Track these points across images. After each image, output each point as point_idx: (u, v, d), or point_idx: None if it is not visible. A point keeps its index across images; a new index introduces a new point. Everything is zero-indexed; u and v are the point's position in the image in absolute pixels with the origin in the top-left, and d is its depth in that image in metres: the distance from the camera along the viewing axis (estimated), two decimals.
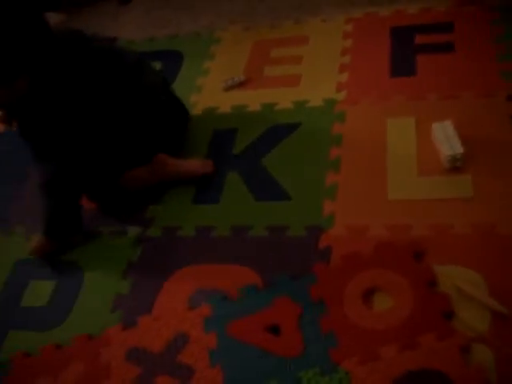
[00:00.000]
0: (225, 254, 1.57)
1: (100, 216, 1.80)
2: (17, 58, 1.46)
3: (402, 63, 1.95)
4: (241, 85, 2.05)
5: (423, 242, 1.42)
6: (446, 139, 1.58)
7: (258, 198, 1.69)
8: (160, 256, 1.62)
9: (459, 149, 1.55)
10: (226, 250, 1.58)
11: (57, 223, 1.69)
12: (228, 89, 2.04)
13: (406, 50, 2.00)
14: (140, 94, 1.66)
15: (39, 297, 1.65)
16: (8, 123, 1.73)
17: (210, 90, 1.99)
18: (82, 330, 1.51)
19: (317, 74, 2.02)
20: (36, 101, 1.55)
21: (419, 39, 2.01)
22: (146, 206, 1.77)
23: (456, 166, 1.56)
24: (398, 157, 1.67)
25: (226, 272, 1.52)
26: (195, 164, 1.75)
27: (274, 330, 1.35)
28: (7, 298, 1.68)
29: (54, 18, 2.21)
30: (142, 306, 1.50)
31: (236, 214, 1.66)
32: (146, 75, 1.72)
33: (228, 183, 1.75)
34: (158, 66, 2.20)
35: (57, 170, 1.64)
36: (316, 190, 1.65)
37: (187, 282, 1.53)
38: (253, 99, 1.99)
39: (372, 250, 1.43)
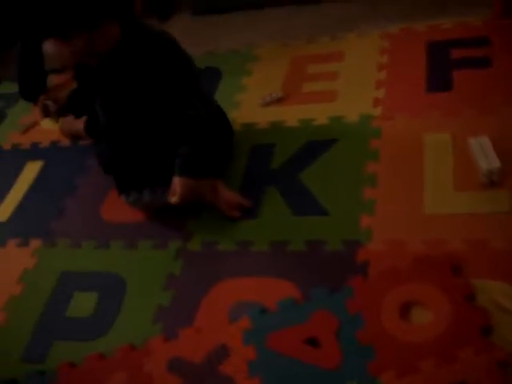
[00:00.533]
0: (263, 268, 1.60)
1: (141, 229, 1.84)
2: None
3: (438, 78, 1.97)
4: (279, 101, 2.09)
5: (461, 256, 1.43)
6: (483, 154, 1.60)
7: (296, 212, 1.72)
8: (200, 269, 1.66)
9: (496, 163, 1.56)
10: (265, 263, 1.61)
11: None
12: (266, 105, 2.08)
13: (442, 65, 2.01)
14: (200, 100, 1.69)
15: (83, 308, 1.69)
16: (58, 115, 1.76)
17: (248, 106, 2.03)
18: (124, 340, 1.55)
19: (353, 89, 2.05)
20: (118, 66, 1.59)
21: (455, 54, 2.03)
22: (186, 220, 1.80)
23: (493, 181, 1.57)
24: (435, 172, 1.68)
25: (265, 285, 1.55)
26: (235, 198, 1.77)
27: (313, 342, 1.37)
28: (53, 309, 1.73)
29: None
30: (182, 318, 1.54)
31: (274, 229, 1.69)
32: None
33: (266, 198, 1.78)
34: None
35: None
36: (353, 204, 1.68)
37: (227, 295, 1.56)
38: (290, 115, 2.02)
39: (409, 264, 1.45)
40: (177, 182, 1.63)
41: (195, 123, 1.61)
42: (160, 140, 1.69)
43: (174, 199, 1.64)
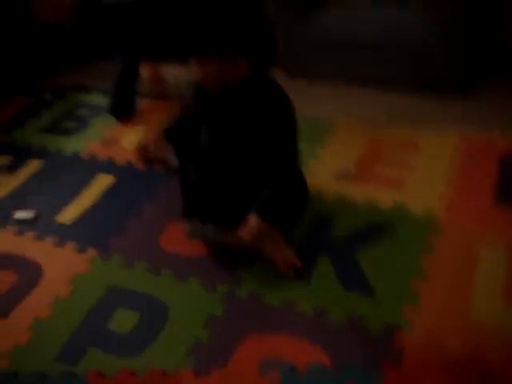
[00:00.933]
0: (302, 330, 1.66)
1: (194, 264, 1.92)
2: (248, 29, 1.60)
3: (507, 195, 2.02)
4: (349, 176, 2.17)
5: (496, 368, 1.46)
6: None
7: (345, 286, 1.78)
8: (242, 316, 1.73)
9: None
10: (304, 326, 1.67)
11: None
12: (337, 178, 2.17)
13: None
14: None
15: (124, 324, 1.77)
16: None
17: (319, 175, 2.11)
18: (157, 364, 1.61)
19: (422, 182, 2.12)
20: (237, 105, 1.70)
21: None
22: (238, 266, 1.88)
23: None
24: (486, 280, 1.74)
25: (300, 347, 1.61)
26: (292, 257, 1.84)
27: None
28: (95, 318, 1.81)
29: None
30: (216, 358, 1.60)
31: (321, 296, 1.75)
32: None
33: (320, 265, 1.85)
34: None
35: None
36: (401, 292, 1.73)
37: (262, 347, 1.62)
38: (358, 192, 2.10)
39: (443, 362, 1.49)
40: (254, 221, 1.69)
41: (288, 174, 1.74)
42: (246, 179, 1.76)
43: (247, 236, 1.69)
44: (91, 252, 2.05)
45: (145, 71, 2.97)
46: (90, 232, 2.14)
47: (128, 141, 2.61)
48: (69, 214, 2.25)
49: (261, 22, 1.65)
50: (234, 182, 1.77)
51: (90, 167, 2.51)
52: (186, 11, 1.60)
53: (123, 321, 1.78)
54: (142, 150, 2.30)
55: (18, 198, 2.38)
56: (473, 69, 2.58)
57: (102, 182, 2.39)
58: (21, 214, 2.27)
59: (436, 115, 2.46)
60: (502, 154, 2.21)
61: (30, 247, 2.12)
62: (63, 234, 2.15)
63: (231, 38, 1.57)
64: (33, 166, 2.58)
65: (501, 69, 2.70)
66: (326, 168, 2.19)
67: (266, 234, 1.73)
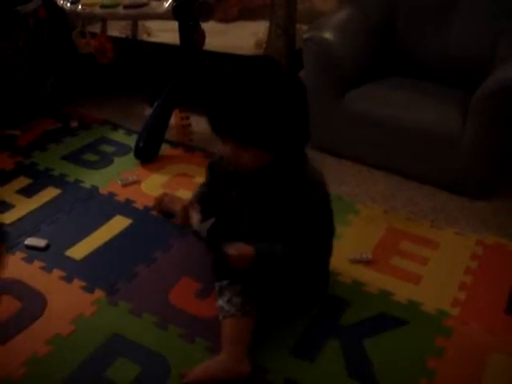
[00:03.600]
0: None
1: (203, 325, 1.90)
2: (272, 126, 1.56)
3: None
4: (366, 262, 2.17)
5: None
6: None
7: (351, 375, 1.76)
8: None
9: None
10: None
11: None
12: (354, 262, 2.17)
13: None
14: None
15: (123, 375, 1.74)
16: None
17: (337, 256, 2.09)
18: None
19: (437, 281, 2.12)
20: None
21: None
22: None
23: None
24: None
25: None
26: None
27: None
28: (94, 363, 1.79)
29: None
30: None
31: (326, 381, 1.74)
32: None
33: (327, 348, 1.84)
34: None
35: None
36: None
37: None
38: (373, 281, 2.10)
39: None
40: (247, 248, 1.69)
41: (305, 246, 1.74)
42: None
43: (231, 251, 1.68)
44: (98, 293, 2.03)
45: (174, 119, 3.00)
46: (99, 272, 2.13)
47: (148, 186, 2.61)
48: (80, 250, 2.24)
49: (295, 114, 1.62)
50: None
51: (107, 205, 2.51)
52: (216, 84, 1.59)
53: (123, 372, 1.76)
54: (158, 203, 2.33)
55: (32, 224, 2.37)
56: (498, 172, 2.61)
57: (119, 224, 2.39)
58: (32, 241, 2.26)
59: (457, 216, 2.47)
60: None
61: (36, 277, 2.11)
62: (72, 270, 2.14)
63: (244, 128, 1.56)
64: (50, 193, 2.59)
65: None
66: (345, 251, 2.19)
67: (247, 265, 1.70)
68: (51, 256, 2.21)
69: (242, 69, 1.60)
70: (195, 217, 1.79)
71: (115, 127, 3.17)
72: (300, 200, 1.70)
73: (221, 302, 1.80)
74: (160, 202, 2.43)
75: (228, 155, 1.65)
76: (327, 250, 1.93)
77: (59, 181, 2.67)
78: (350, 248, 2.21)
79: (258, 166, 1.67)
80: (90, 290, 2.05)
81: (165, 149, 2.93)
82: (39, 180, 2.67)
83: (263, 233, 1.78)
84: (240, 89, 1.54)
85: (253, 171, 1.70)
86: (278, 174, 1.70)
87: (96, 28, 3.14)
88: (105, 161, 2.85)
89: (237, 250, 1.69)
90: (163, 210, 2.43)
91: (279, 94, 1.55)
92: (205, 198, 1.94)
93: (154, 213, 2.44)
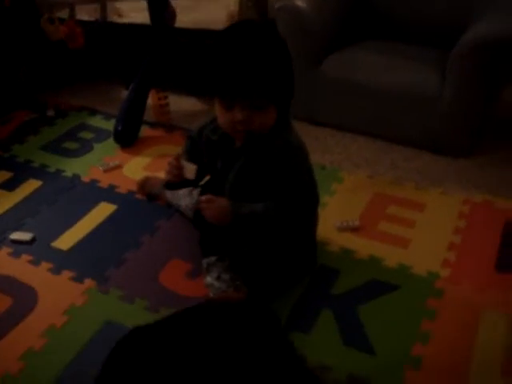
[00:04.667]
0: None
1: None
2: (283, 80, 1.61)
3: (509, 262, 2.03)
4: (354, 229, 2.17)
5: None
6: None
7: (346, 342, 1.77)
8: None
9: None
10: None
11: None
12: (341, 229, 2.17)
13: None
14: None
15: None
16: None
17: (324, 225, 2.08)
18: None
19: (426, 243, 2.12)
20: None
21: None
22: None
23: None
24: (485, 350, 1.73)
25: None
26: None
27: None
28: (89, 353, 1.78)
29: None
30: None
31: (321, 351, 1.74)
32: None
33: (321, 318, 1.85)
34: None
35: None
36: (401, 355, 1.73)
37: None
38: (362, 247, 2.10)
39: None
40: (221, 199, 1.70)
41: (304, 199, 1.74)
42: None
43: (202, 197, 1.69)
44: (88, 283, 2.02)
45: (152, 99, 2.97)
46: (88, 261, 2.12)
47: (130, 169, 2.60)
48: (66, 240, 2.22)
49: (290, 69, 1.65)
50: None
51: (91, 193, 2.49)
52: (226, 53, 1.57)
53: None
54: (140, 186, 2.32)
55: (16, 218, 2.35)
56: (480, 129, 2.61)
57: (103, 211, 2.37)
58: (17, 235, 2.24)
59: (443, 177, 2.48)
60: (505, 219, 2.23)
61: (25, 271, 2.09)
62: (60, 261, 2.13)
63: (268, 87, 1.57)
64: (32, 185, 2.56)
65: (500, 132, 2.77)
66: (332, 219, 2.19)
67: (224, 217, 1.69)
68: (38, 249, 2.19)
69: (242, 33, 1.60)
70: (189, 167, 1.76)
71: (93, 113, 3.13)
72: (286, 163, 1.70)
73: (209, 279, 1.79)
74: (143, 185, 2.41)
75: (239, 120, 1.61)
76: (313, 220, 1.92)
77: (40, 172, 2.64)
78: (337, 216, 2.21)
79: (266, 127, 1.65)
80: (79, 279, 2.04)
81: (144, 130, 2.91)
82: (20, 173, 2.64)
83: (246, 199, 1.76)
84: (253, 50, 1.55)
85: (253, 140, 1.68)
86: (267, 140, 1.68)
87: (64, 13, 3.08)
88: (85, 148, 2.82)
89: (211, 200, 1.68)
90: (147, 192, 2.41)
91: (282, 49, 1.61)
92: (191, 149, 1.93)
93: (139, 196, 2.42)
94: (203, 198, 1.69)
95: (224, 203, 1.69)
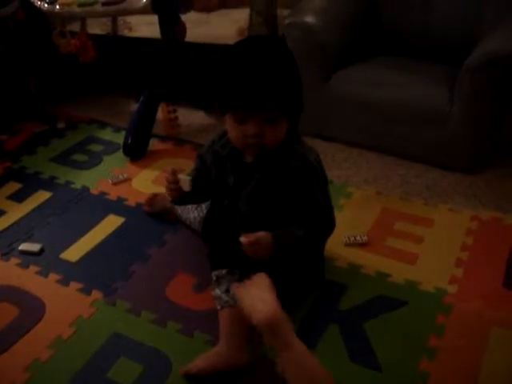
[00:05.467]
0: None
1: (201, 320, 1.90)
2: (294, 93, 1.63)
3: None
4: (361, 245, 2.17)
5: None
6: None
7: (352, 358, 1.76)
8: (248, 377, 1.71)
9: None
10: None
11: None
12: (348, 245, 2.16)
13: None
14: None
15: (126, 375, 1.74)
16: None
17: (331, 240, 2.07)
18: None
19: (434, 259, 2.12)
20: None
21: None
22: None
23: None
24: (493, 368, 1.72)
25: None
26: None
27: None
28: (96, 364, 1.78)
29: None
30: None
31: (328, 366, 1.66)
32: None
33: (327, 334, 1.84)
34: None
35: None
36: (408, 372, 1.72)
37: None
38: (369, 263, 2.10)
39: None
40: (262, 234, 1.66)
41: (322, 224, 1.76)
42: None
43: (245, 240, 1.65)
44: (96, 294, 2.03)
45: (161, 113, 2.98)
46: (96, 273, 2.12)
47: (139, 182, 2.62)
48: (75, 252, 2.23)
49: (299, 83, 1.67)
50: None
51: (99, 205, 2.50)
52: (237, 67, 1.58)
53: (125, 372, 1.76)
54: (149, 204, 2.31)
55: (24, 229, 2.36)
56: (489, 146, 2.61)
57: (112, 223, 2.38)
58: (26, 246, 2.25)
59: (451, 193, 2.48)
60: None
61: (33, 282, 2.10)
62: (68, 272, 2.14)
63: (279, 97, 1.57)
64: (41, 196, 2.58)
65: (509, 149, 2.77)
66: (340, 234, 2.17)
67: (264, 254, 1.67)
68: (46, 260, 2.20)
69: (253, 47, 1.62)
70: (184, 179, 1.77)
71: (102, 125, 3.15)
72: (306, 179, 1.71)
73: (218, 292, 1.79)
74: (151, 203, 2.41)
75: (252, 134, 1.61)
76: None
77: (49, 183, 2.66)
78: (345, 232, 2.20)
79: (279, 141, 1.66)
80: (87, 291, 2.04)
81: (153, 143, 2.92)
82: (29, 184, 2.66)
83: (262, 217, 1.78)
84: (265, 63, 1.56)
85: (265, 156, 1.69)
86: (281, 154, 1.69)
87: (76, 27, 3.11)
88: (94, 160, 2.84)
89: (252, 240, 1.64)
90: (155, 210, 2.40)
91: (292, 63, 1.63)
92: (195, 178, 1.90)
93: (146, 209, 2.42)
94: (245, 240, 1.64)
95: (266, 240, 1.66)
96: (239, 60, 1.60)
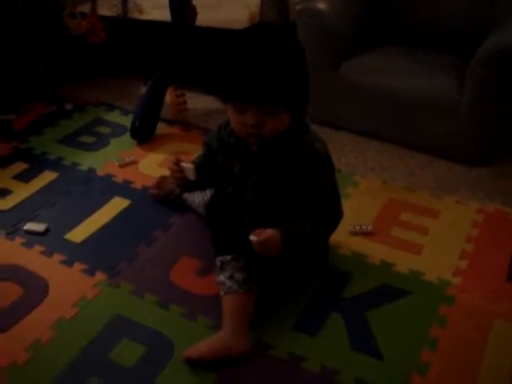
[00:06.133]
0: None
1: (204, 304, 1.91)
2: (296, 87, 1.61)
3: None
4: (366, 234, 2.16)
5: None
6: None
7: (354, 346, 1.76)
8: (246, 368, 1.71)
9: None
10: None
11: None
12: (354, 233, 2.16)
13: None
14: None
15: (128, 356, 1.74)
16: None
17: (337, 228, 2.09)
18: None
19: (439, 250, 2.11)
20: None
21: None
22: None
23: None
24: (494, 360, 1.72)
25: None
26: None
27: None
28: (98, 345, 1.78)
29: None
30: None
31: (329, 354, 1.74)
32: None
33: (330, 322, 1.84)
34: None
35: None
36: (409, 361, 1.72)
37: None
38: (374, 252, 2.10)
39: None
40: (270, 232, 1.65)
41: (327, 216, 1.76)
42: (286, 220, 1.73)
43: (255, 238, 1.63)
44: (100, 276, 2.03)
45: (169, 97, 2.98)
46: (100, 255, 2.13)
47: (146, 165, 2.62)
48: (79, 233, 2.23)
49: (304, 75, 1.65)
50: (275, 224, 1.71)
51: (105, 187, 2.50)
52: (239, 56, 1.57)
53: (128, 353, 1.76)
54: (158, 186, 2.31)
55: (30, 209, 2.36)
56: (496, 139, 2.60)
57: (117, 205, 2.38)
58: (31, 226, 2.25)
59: (457, 185, 2.47)
60: None
61: (37, 262, 2.10)
62: (72, 253, 2.14)
63: (278, 90, 1.56)
64: (48, 177, 2.57)
65: None
66: (345, 223, 2.15)
67: (274, 250, 1.66)
68: (51, 240, 2.20)
69: (258, 36, 1.61)
70: (188, 167, 1.79)
71: (110, 108, 3.15)
72: (313, 169, 1.71)
73: (222, 278, 1.79)
74: (160, 185, 2.40)
75: (251, 124, 1.61)
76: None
77: (56, 164, 2.66)
78: (350, 220, 2.19)
79: (278, 132, 1.65)
80: (91, 272, 2.04)
81: (161, 127, 2.91)
82: (36, 164, 2.66)
83: (268, 206, 1.78)
84: (267, 54, 1.55)
85: (269, 145, 1.69)
86: (287, 143, 1.69)
87: (86, 8, 3.10)
88: (101, 142, 2.83)
89: (261, 236, 1.63)
90: (163, 193, 2.39)
91: (298, 56, 1.62)
92: (200, 165, 1.92)
93: (154, 192, 2.41)
94: (255, 239, 1.63)
95: (276, 237, 1.65)
96: (239, 51, 1.59)
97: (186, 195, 2.26)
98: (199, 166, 1.88)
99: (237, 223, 1.85)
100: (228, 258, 1.80)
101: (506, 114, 2.53)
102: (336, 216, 1.81)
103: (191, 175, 1.80)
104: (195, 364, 1.69)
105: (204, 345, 1.71)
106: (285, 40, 1.62)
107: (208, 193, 2.13)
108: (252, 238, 1.63)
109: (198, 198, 2.19)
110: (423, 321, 1.85)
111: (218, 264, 1.82)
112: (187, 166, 1.81)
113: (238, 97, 1.59)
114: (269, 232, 1.64)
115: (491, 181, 2.49)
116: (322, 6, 2.66)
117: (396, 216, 2.28)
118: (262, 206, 1.78)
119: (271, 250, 1.66)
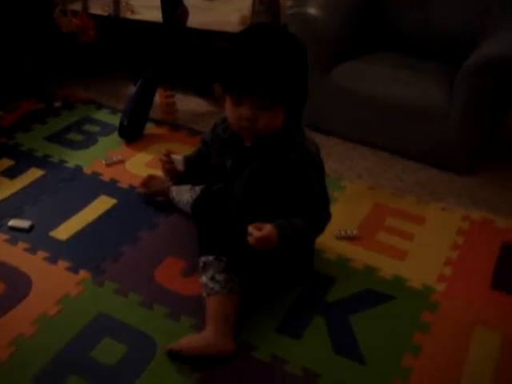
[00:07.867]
0: None
1: (188, 304, 1.90)
2: (294, 84, 1.63)
3: (504, 280, 2.03)
4: (351, 238, 2.17)
5: None
6: None
7: (336, 350, 1.77)
8: (230, 370, 1.70)
9: None
10: None
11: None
12: (339, 238, 2.16)
13: (510, 269, 2.08)
14: None
15: (109, 355, 1.73)
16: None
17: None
18: None
19: (423, 257, 2.12)
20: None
21: None
22: None
23: None
24: (476, 368, 1.73)
25: None
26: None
27: None
28: (79, 343, 1.77)
29: None
30: None
31: (311, 357, 1.74)
32: None
33: (313, 325, 1.84)
34: None
35: None
36: (391, 366, 1.72)
37: None
38: (358, 257, 2.10)
39: None
40: (269, 228, 1.64)
41: (317, 215, 1.76)
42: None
43: (258, 233, 1.61)
44: (83, 274, 2.02)
45: (159, 97, 2.97)
46: (85, 253, 2.12)
47: (133, 165, 2.61)
48: (64, 231, 2.23)
49: (304, 75, 1.68)
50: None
51: (92, 185, 2.49)
52: (240, 49, 1.61)
53: (109, 351, 1.75)
54: (144, 185, 2.31)
55: (15, 206, 2.35)
56: (484, 147, 2.62)
57: (103, 204, 2.37)
58: (16, 222, 2.24)
59: (444, 191, 2.48)
60: (502, 241, 2.22)
61: (21, 258, 2.09)
62: (56, 250, 2.13)
63: (274, 85, 1.58)
64: (34, 174, 2.56)
65: (502, 153, 2.78)
66: (330, 228, 2.15)
67: (269, 247, 1.64)
68: (35, 237, 2.19)
69: (261, 33, 1.63)
70: (177, 160, 1.85)
71: (99, 106, 3.14)
72: (305, 170, 1.71)
73: (204, 279, 1.79)
74: (147, 184, 2.39)
75: (245, 117, 1.62)
76: None
77: (43, 161, 2.65)
78: (336, 224, 2.18)
79: (272, 129, 1.66)
80: (75, 270, 2.04)
81: (149, 127, 2.91)
82: (22, 161, 2.65)
83: (256, 202, 1.78)
84: (268, 50, 1.58)
85: (263, 142, 1.70)
86: (280, 142, 1.70)
87: (77, 6, 3.09)
88: (89, 140, 2.83)
89: (259, 234, 1.62)
90: (149, 191, 2.39)
91: (299, 54, 1.65)
92: (191, 160, 1.94)
93: (141, 190, 2.41)
94: (256, 234, 1.61)
95: (272, 232, 1.63)
96: (241, 45, 1.62)
97: (173, 194, 2.26)
98: (192, 158, 1.91)
99: (224, 219, 1.85)
100: (210, 258, 1.80)
101: (494, 122, 2.54)
102: (324, 217, 1.81)
103: (180, 166, 1.85)
104: (176, 358, 1.69)
105: (187, 340, 1.71)
106: (287, 39, 1.65)
107: (197, 190, 2.13)
108: (255, 233, 1.61)
109: (186, 196, 2.18)
110: (406, 326, 1.86)
111: (201, 265, 1.82)
112: (176, 157, 1.86)
113: (235, 88, 1.61)
114: (268, 227, 1.63)
115: (478, 188, 2.50)
116: (313, 11, 2.67)
117: (382, 221, 2.28)
118: (251, 203, 1.78)
119: (268, 244, 1.64)
